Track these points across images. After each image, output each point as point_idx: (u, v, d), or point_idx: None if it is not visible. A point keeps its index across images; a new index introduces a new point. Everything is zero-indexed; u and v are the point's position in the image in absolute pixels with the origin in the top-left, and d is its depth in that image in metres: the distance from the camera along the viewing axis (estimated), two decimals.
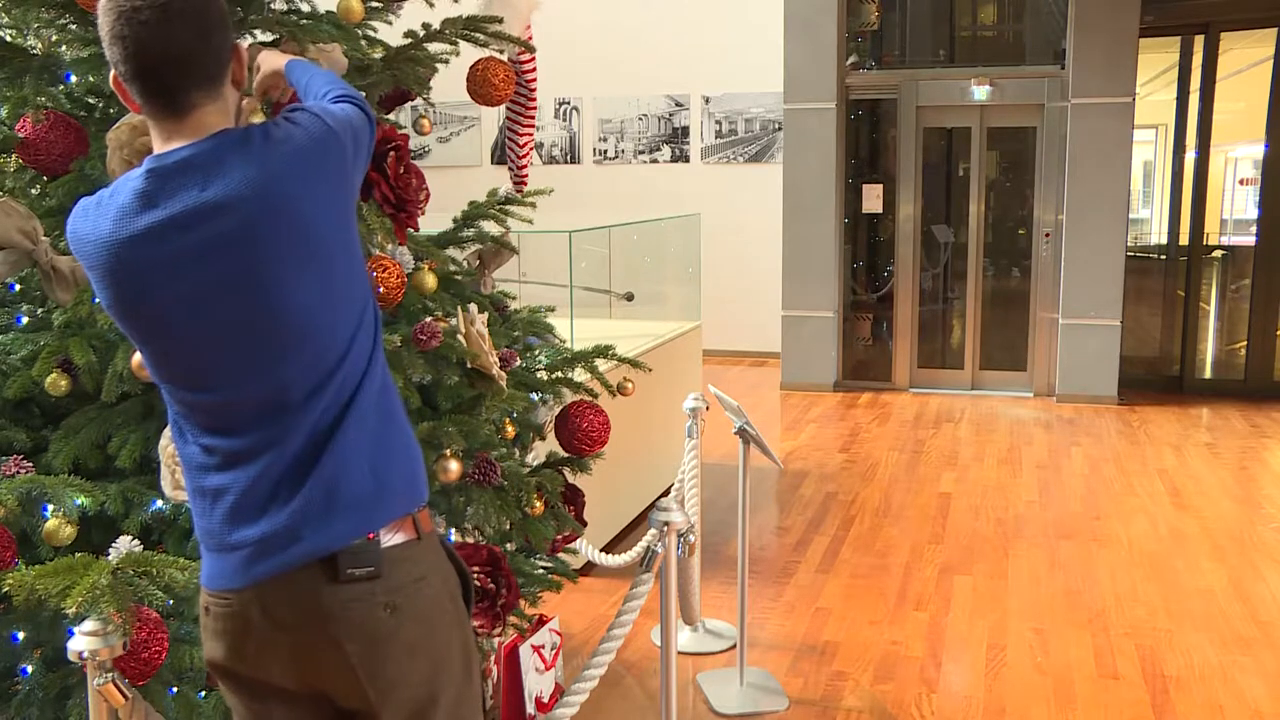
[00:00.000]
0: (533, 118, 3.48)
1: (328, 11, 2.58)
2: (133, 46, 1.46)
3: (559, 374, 3.01)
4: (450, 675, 1.66)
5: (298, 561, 1.54)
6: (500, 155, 9.98)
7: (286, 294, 1.50)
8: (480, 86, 2.84)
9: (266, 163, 1.49)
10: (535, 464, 2.95)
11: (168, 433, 2.12)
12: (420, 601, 1.61)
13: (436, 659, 1.63)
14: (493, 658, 3.02)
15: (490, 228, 2.98)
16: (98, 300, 1.67)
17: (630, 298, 6.34)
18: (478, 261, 3.00)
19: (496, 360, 2.58)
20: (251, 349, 1.52)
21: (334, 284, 1.56)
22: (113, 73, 1.52)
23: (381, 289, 2.31)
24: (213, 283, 1.48)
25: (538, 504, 2.69)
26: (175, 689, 2.11)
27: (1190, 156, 8.01)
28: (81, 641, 1.72)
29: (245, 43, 1.65)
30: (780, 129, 8.89)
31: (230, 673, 1.63)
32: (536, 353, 3.06)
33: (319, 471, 1.55)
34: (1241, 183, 8.64)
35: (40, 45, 2.56)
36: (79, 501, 2.11)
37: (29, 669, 2.17)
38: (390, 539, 1.59)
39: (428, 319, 2.51)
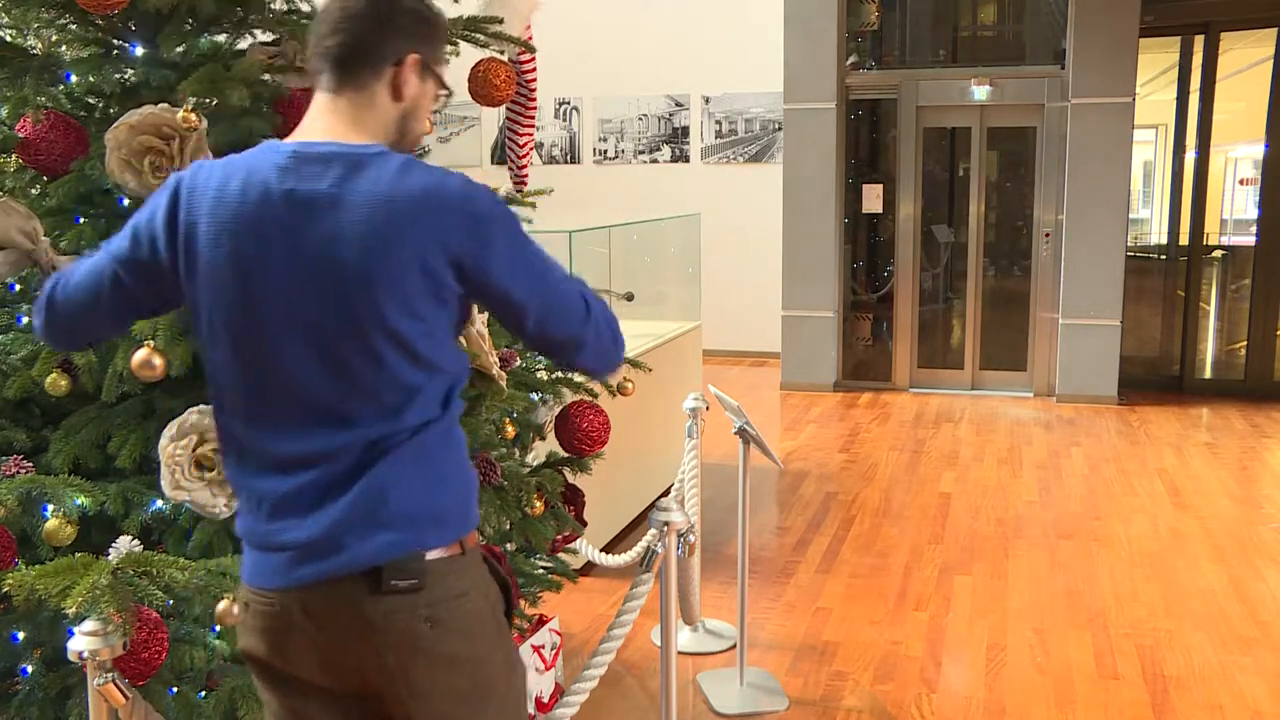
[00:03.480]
0: (533, 118, 3.48)
1: None
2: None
3: (559, 374, 3.00)
4: (489, 689, 1.64)
5: (340, 571, 1.53)
6: (500, 155, 9.98)
7: (377, 315, 1.50)
8: (481, 87, 2.84)
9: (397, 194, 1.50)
10: (535, 464, 2.95)
11: (168, 432, 2.12)
12: (461, 616, 1.59)
13: (476, 673, 1.62)
14: None
15: None
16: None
17: (630, 297, 6.33)
18: None
19: (496, 360, 2.57)
20: (330, 356, 1.52)
21: (416, 342, 1.54)
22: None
23: None
24: (313, 275, 1.49)
25: (538, 504, 2.69)
26: (175, 689, 2.11)
27: (1190, 156, 8.01)
28: (81, 641, 1.72)
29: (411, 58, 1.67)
30: (780, 129, 8.89)
31: (267, 668, 1.63)
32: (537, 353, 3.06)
33: (368, 483, 1.54)
34: (1241, 183, 8.65)
35: (40, 45, 2.56)
36: (79, 501, 2.11)
37: (29, 669, 2.18)
38: (434, 553, 1.58)
39: None
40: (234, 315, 1.54)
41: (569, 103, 10.03)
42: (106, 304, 1.66)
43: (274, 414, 1.56)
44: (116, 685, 1.74)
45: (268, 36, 2.52)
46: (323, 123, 1.58)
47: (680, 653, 3.72)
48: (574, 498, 2.91)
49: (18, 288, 2.46)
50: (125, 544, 1.95)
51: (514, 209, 2.96)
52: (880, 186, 8.41)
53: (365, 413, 1.54)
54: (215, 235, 1.53)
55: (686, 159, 9.79)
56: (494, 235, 1.54)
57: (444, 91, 1.69)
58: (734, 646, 3.75)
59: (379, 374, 1.52)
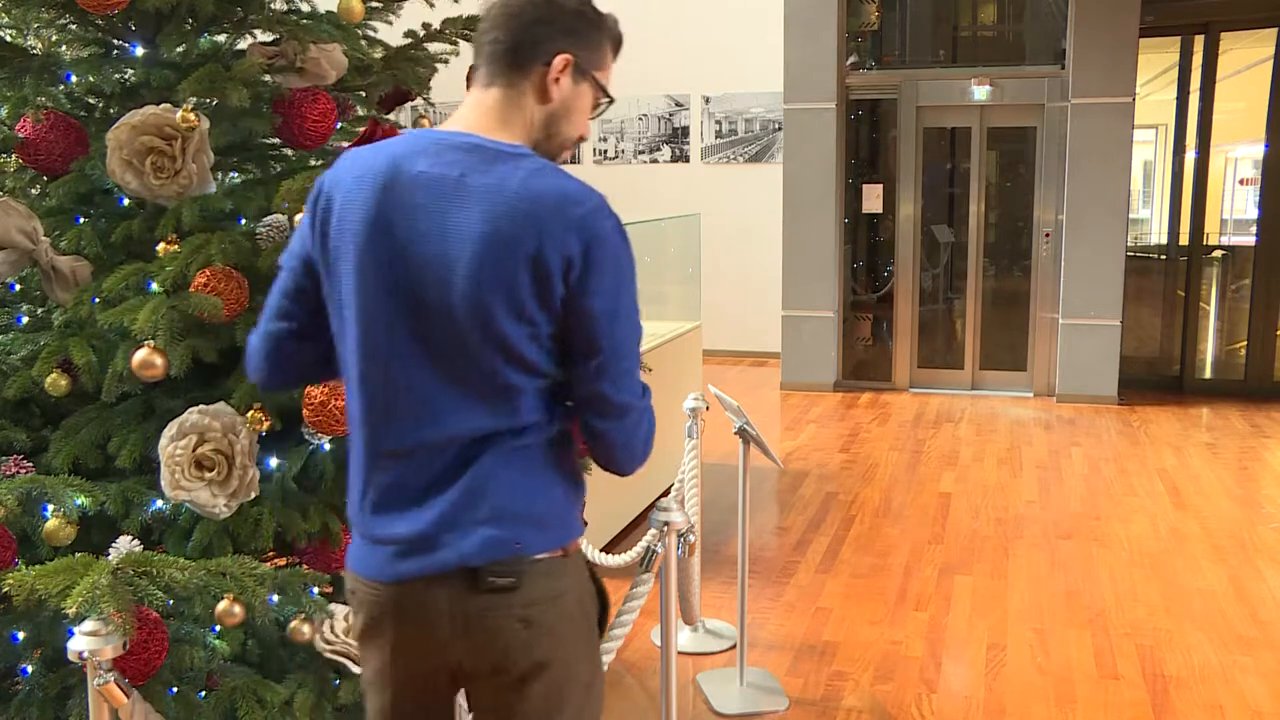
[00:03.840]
0: None
1: (328, 11, 2.58)
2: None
3: None
4: (572, 692, 1.64)
5: (441, 567, 1.53)
6: None
7: (483, 312, 1.49)
8: None
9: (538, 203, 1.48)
10: None
11: (168, 432, 2.12)
12: (555, 619, 1.59)
13: (560, 675, 1.62)
14: None
15: None
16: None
17: None
18: None
19: None
20: (441, 347, 1.52)
21: (520, 346, 1.52)
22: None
23: None
24: (426, 260, 1.49)
25: None
26: (175, 689, 2.11)
27: (1190, 156, 8.01)
28: (81, 641, 1.73)
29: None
30: (780, 129, 8.89)
31: (370, 664, 1.66)
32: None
33: (469, 481, 1.53)
34: (1241, 183, 8.65)
35: (40, 45, 2.57)
36: (79, 501, 2.11)
37: (29, 669, 2.18)
38: (534, 555, 1.57)
39: None
40: (356, 296, 1.53)
41: None
42: (293, 314, 1.64)
43: (383, 404, 1.55)
44: (117, 685, 1.74)
45: (268, 36, 2.52)
46: (471, 116, 1.58)
47: (680, 653, 3.73)
48: None
49: (18, 288, 2.46)
50: (125, 544, 1.96)
51: None
52: (880, 186, 8.41)
53: (466, 410, 1.53)
54: (343, 210, 1.53)
55: (686, 159, 9.80)
56: (606, 262, 1.51)
57: (605, 98, 1.65)
58: (734, 646, 3.75)
59: (480, 372, 1.52)
